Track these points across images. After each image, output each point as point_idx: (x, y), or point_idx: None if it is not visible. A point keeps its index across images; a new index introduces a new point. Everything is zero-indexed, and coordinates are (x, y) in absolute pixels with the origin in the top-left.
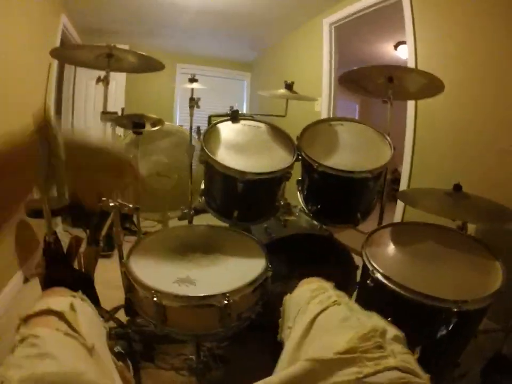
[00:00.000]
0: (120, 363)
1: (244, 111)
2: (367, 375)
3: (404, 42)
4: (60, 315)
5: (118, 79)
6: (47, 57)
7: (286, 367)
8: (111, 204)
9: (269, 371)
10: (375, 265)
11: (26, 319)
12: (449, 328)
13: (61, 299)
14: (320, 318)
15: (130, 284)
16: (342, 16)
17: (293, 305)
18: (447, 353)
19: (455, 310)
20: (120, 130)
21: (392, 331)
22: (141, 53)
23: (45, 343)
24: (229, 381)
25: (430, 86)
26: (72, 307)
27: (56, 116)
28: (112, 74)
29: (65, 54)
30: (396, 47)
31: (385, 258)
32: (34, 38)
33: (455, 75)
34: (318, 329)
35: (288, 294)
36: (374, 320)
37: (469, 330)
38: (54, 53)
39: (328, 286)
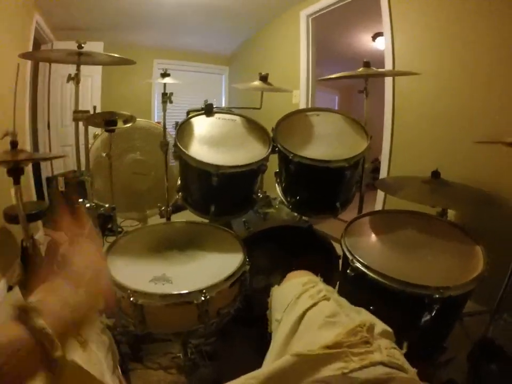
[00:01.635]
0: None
1: (223, 105)
2: (353, 370)
3: (382, 34)
4: None
5: (94, 76)
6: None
7: (273, 361)
8: (87, 205)
9: (256, 366)
10: (355, 255)
11: None
12: (432, 315)
13: None
14: (309, 313)
15: None
16: (320, 7)
17: (281, 297)
18: (432, 339)
19: (437, 296)
20: (97, 129)
21: (380, 326)
22: (111, 54)
23: None
24: (218, 377)
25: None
26: None
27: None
28: (88, 71)
29: (37, 56)
30: (374, 38)
31: (364, 247)
32: (7, 38)
33: (432, 65)
34: (307, 325)
35: (276, 285)
36: (363, 316)
37: (453, 315)
38: (25, 55)
39: (317, 279)
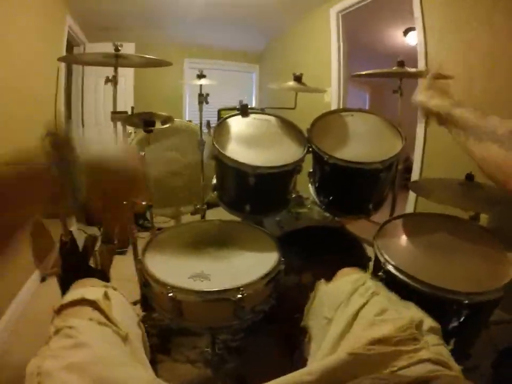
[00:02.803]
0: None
1: (253, 104)
2: (401, 368)
3: (413, 29)
4: (93, 304)
5: (127, 76)
6: (55, 60)
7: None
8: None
9: (282, 364)
10: (387, 257)
11: (59, 310)
12: (460, 320)
13: (94, 289)
14: (362, 312)
15: (146, 280)
16: (349, 3)
17: (331, 295)
18: (458, 345)
19: (467, 302)
20: (130, 128)
21: (428, 322)
22: (147, 56)
23: (80, 334)
24: (244, 372)
25: None
26: (106, 296)
27: (66, 119)
28: (120, 71)
29: (73, 60)
30: (405, 33)
31: (397, 250)
32: (41, 41)
33: (466, 61)
34: (360, 323)
35: (323, 280)
36: (412, 311)
37: (480, 322)
38: (62, 59)
39: (366, 276)
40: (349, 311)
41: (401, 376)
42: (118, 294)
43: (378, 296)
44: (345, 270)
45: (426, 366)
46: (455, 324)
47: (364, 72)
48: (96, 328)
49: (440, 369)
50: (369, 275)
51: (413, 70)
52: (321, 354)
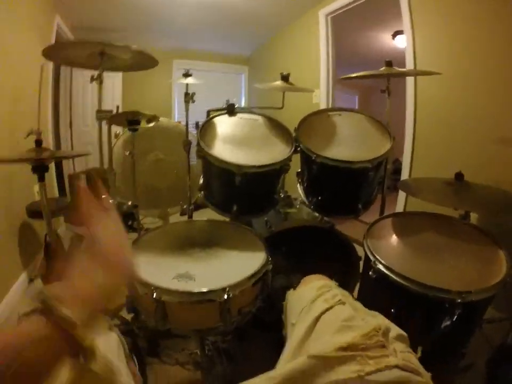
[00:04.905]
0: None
1: (242, 105)
2: (369, 372)
3: (401, 32)
4: None
5: (115, 77)
6: (41, 59)
7: (288, 362)
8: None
9: (273, 365)
10: (377, 256)
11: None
12: (453, 319)
13: None
14: (324, 316)
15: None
16: (338, 6)
17: (296, 301)
18: (451, 345)
19: (459, 301)
20: (118, 128)
21: (395, 330)
22: (134, 46)
23: None
24: (234, 375)
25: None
26: None
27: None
28: (108, 73)
29: (58, 54)
30: (393, 36)
31: (387, 249)
32: (28, 40)
33: (455, 63)
34: (322, 328)
35: (292, 289)
36: (378, 320)
37: (473, 321)
38: (47, 53)
39: (332, 284)
40: (311, 315)
41: (370, 381)
42: None
43: (343, 305)
44: (311, 277)
45: (395, 372)
46: (447, 323)
47: (353, 75)
48: None
49: (409, 375)
50: (335, 284)
51: (401, 69)
52: (283, 359)
